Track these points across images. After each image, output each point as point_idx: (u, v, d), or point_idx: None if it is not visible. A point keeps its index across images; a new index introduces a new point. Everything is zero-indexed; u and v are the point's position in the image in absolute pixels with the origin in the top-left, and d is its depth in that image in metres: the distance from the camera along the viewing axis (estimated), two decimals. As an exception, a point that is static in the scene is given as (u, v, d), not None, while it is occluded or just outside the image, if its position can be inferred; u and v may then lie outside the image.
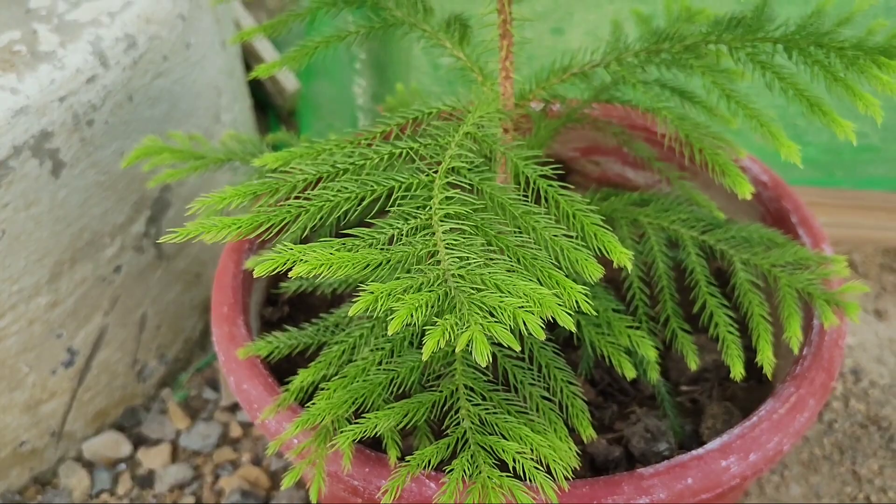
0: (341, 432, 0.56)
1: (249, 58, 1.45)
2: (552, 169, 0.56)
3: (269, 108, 1.52)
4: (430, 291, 0.42)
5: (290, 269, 0.44)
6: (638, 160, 0.83)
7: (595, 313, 0.64)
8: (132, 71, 0.93)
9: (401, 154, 0.56)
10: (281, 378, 0.68)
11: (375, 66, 1.27)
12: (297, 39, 0.76)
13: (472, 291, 0.42)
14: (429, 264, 0.45)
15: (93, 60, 0.89)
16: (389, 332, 0.38)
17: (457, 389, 0.59)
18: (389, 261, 0.45)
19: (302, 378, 0.60)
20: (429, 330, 0.39)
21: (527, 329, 0.41)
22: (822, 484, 1.05)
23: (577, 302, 0.46)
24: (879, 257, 1.34)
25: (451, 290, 0.43)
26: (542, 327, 0.41)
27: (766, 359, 0.64)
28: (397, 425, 0.58)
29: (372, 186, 0.53)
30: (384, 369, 0.59)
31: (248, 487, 1.03)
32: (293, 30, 0.84)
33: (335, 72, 1.35)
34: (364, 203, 0.52)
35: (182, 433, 1.09)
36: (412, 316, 0.40)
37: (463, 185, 0.54)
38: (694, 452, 0.63)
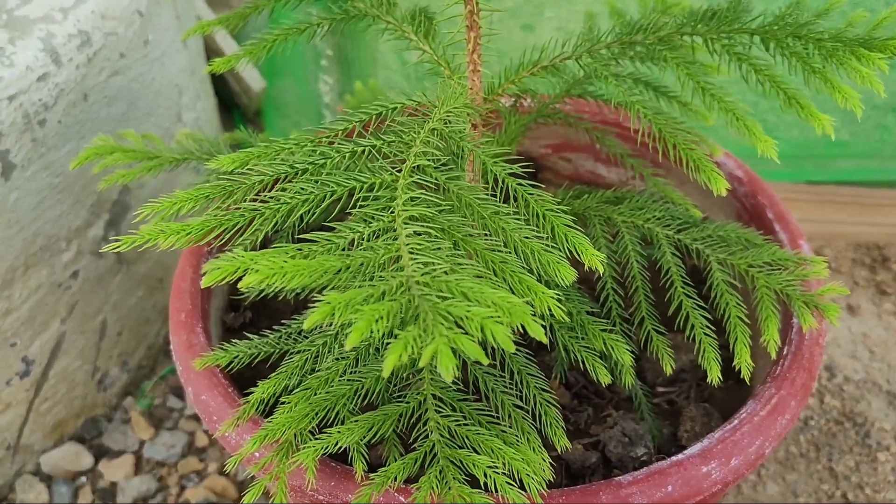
0: (303, 448, 0.53)
1: (213, 56, 1.41)
2: (521, 167, 0.54)
3: (234, 107, 1.48)
4: (391, 301, 0.39)
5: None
6: (611, 157, 0.81)
7: (568, 319, 0.62)
8: (87, 69, 0.89)
9: (363, 152, 0.53)
10: (244, 386, 0.65)
11: (342, 62, 1.23)
12: (262, 37, 0.73)
13: (437, 300, 0.40)
14: (391, 271, 0.42)
15: (44, 58, 0.85)
16: (347, 348, 0.35)
17: (425, 400, 0.57)
18: (349, 267, 0.42)
19: (262, 390, 0.57)
20: (390, 343, 0.36)
21: (496, 340, 0.38)
22: (799, 482, 1.04)
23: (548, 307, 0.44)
24: (851, 252, 1.33)
25: (414, 298, 0.40)
26: (511, 338, 0.38)
27: (744, 362, 0.62)
28: (363, 439, 0.55)
29: (332, 187, 0.49)
30: (348, 379, 0.56)
31: (215, 498, 0.99)
32: (259, 27, 0.80)
33: (301, 70, 1.31)
34: (324, 205, 0.49)
35: (146, 443, 1.06)
36: (372, 329, 0.37)
37: (429, 184, 0.51)
38: (674, 458, 0.60)
